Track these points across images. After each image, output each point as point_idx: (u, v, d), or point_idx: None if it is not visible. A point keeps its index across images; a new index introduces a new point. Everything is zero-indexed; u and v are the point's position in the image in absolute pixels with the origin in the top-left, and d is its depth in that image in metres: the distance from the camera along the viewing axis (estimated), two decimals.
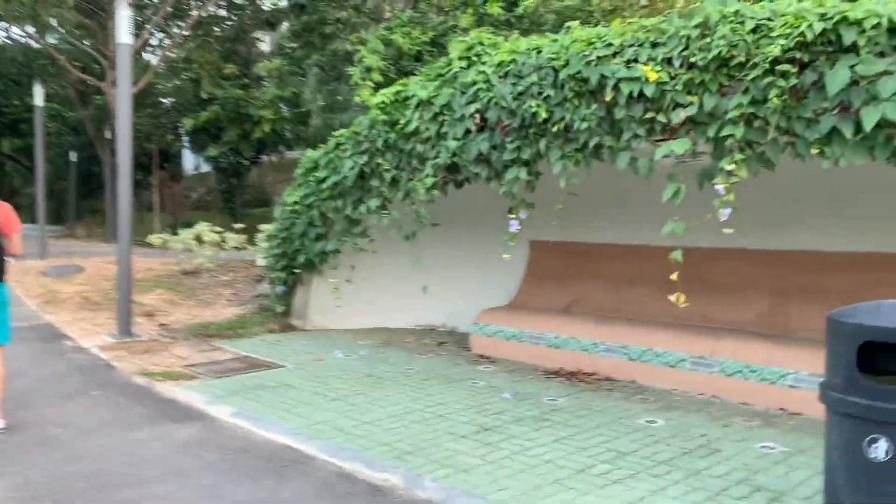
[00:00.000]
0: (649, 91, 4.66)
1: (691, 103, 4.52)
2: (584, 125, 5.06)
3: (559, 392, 5.86)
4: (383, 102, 6.58)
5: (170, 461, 4.27)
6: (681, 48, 4.60)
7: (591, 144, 5.09)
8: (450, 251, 8.57)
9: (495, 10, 10.24)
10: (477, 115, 5.84)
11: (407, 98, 6.59)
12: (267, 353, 7.29)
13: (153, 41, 21.40)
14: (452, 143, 5.87)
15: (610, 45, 5.03)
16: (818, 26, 3.97)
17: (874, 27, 3.86)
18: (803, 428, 4.87)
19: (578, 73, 5.08)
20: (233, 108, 20.94)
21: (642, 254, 7.37)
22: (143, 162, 30.22)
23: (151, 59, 22.04)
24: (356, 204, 7.29)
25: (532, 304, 7.87)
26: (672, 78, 4.61)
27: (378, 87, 14.40)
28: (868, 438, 2.78)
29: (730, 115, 4.31)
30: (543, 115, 5.27)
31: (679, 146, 4.50)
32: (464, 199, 7.23)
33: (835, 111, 3.99)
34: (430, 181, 6.13)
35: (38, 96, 16.05)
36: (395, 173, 6.69)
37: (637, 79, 4.73)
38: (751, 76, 4.22)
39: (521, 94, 5.48)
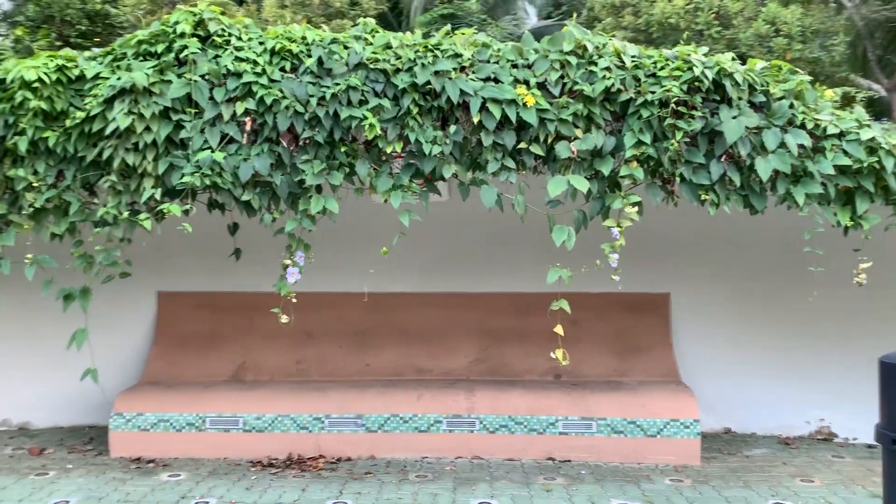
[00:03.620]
0: (531, 118, 4.01)
1: (577, 137, 4.06)
2: (436, 150, 4.04)
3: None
4: (40, 81, 4.06)
5: None
6: (557, 74, 4.11)
7: (444, 174, 4.11)
8: None
9: None
10: (247, 120, 4.11)
11: (79, 79, 4.24)
12: None
13: None
14: (214, 156, 3.97)
15: (456, 55, 4.17)
16: (708, 73, 4.04)
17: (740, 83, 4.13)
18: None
19: (427, 83, 4.05)
20: None
21: (324, 302, 6.32)
22: None
23: None
24: None
25: (182, 378, 5.92)
26: (551, 105, 4.08)
27: None
28: None
29: (628, 154, 4.02)
30: (377, 131, 4.02)
31: (579, 183, 3.98)
32: None
33: (721, 158, 4.11)
34: (165, 206, 4.02)
35: None
36: (56, 192, 4.18)
37: (511, 101, 4.03)
38: (644, 115, 4.03)
39: (325, 98, 4.07)
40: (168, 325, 6.20)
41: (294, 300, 4.32)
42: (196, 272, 6.14)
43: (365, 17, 4.78)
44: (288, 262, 4.24)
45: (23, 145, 4.11)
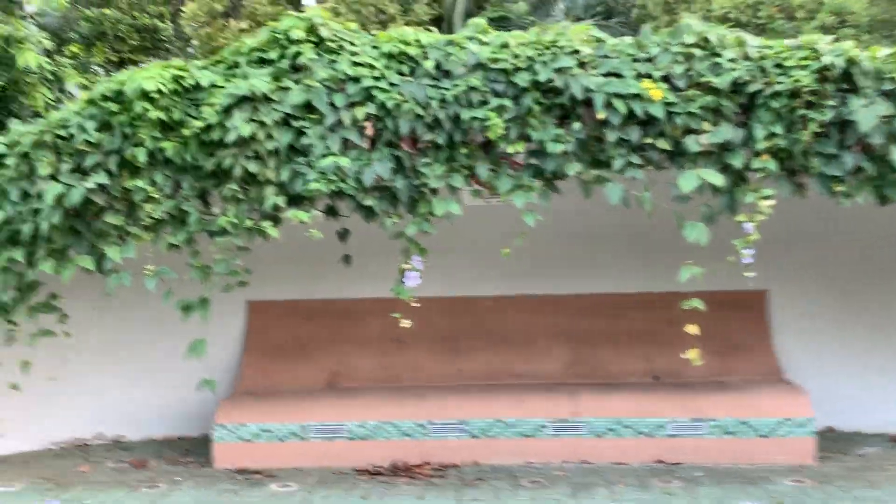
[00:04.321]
0: (658, 112, 3.93)
1: (706, 131, 3.97)
2: (559, 148, 3.97)
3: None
4: (158, 91, 4.04)
5: None
6: (682, 66, 4.02)
7: (568, 172, 4.03)
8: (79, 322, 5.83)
9: None
10: (367, 124, 4.06)
11: (193, 89, 4.21)
12: None
13: None
14: (340, 161, 3.93)
15: (575, 51, 4.10)
16: (838, 61, 3.93)
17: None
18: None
19: (550, 81, 3.99)
20: None
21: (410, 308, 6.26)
22: None
23: None
24: (57, 255, 4.29)
25: (276, 387, 5.89)
26: (677, 99, 3.99)
27: None
28: None
29: (760, 146, 3.92)
30: (500, 131, 3.96)
31: (712, 177, 3.89)
32: None
33: (855, 148, 4.00)
34: (291, 213, 3.98)
35: None
36: (174, 202, 4.17)
37: (636, 96, 3.95)
38: (775, 106, 3.92)
39: (445, 100, 4.02)
40: (259, 334, 6.17)
41: (416, 304, 4.26)
42: (285, 281, 6.10)
43: (419, 23, 4.73)
44: (406, 265, 4.19)
45: (142, 156, 4.10)
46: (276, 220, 4.15)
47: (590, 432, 5.24)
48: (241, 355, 6.16)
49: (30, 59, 9.26)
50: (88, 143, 4.21)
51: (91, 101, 4.33)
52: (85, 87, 11.18)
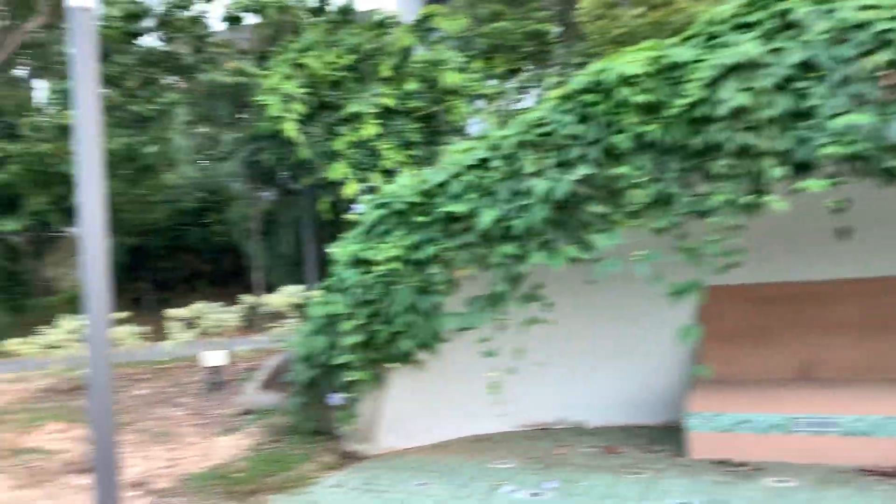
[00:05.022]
0: None
1: None
2: None
3: None
4: (637, 76, 4.02)
5: None
6: None
7: None
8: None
9: None
10: (885, 74, 3.56)
11: (672, 68, 4.11)
12: None
13: None
14: (857, 119, 3.49)
15: None
16: None
17: None
18: None
19: None
20: (38, 167, 16.20)
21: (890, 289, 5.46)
22: None
23: None
24: (545, 247, 4.53)
25: (738, 376, 5.57)
26: None
27: (305, 118, 11.43)
28: None
29: None
30: None
31: None
32: None
33: None
34: (804, 185, 3.66)
35: None
36: (660, 187, 4.11)
37: None
38: None
39: None
40: (714, 319, 5.88)
41: None
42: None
43: None
44: None
45: (625, 143, 4.09)
46: (766, 194, 3.83)
47: None
48: (694, 342, 5.95)
49: (455, 79, 10.24)
50: (569, 136, 4.35)
51: (566, 97, 4.48)
52: (488, 98, 12.07)
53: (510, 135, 4.70)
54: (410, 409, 5.71)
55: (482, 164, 4.80)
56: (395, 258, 5.04)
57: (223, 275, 20.08)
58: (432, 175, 4.98)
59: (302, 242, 15.81)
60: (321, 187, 12.84)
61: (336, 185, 11.59)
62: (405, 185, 5.22)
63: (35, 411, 7.67)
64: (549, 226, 4.44)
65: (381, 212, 5.30)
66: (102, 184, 4.56)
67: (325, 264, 6.08)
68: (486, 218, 4.61)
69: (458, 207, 4.77)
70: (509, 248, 4.61)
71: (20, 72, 18.39)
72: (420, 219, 5.02)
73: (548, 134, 4.48)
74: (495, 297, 4.78)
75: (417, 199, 5.04)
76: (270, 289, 11.73)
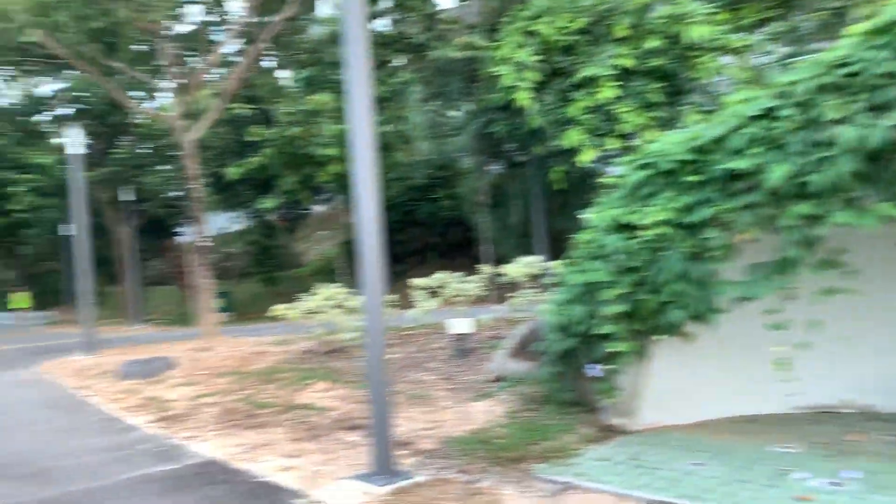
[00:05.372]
0: None
1: None
2: None
3: None
4: None
5: None
6: None
7: None
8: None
9: None
10: None
11: None
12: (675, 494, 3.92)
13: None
14: None
15: None
16: None
17: None
18: None
19: None
20: (289, 150, 17.58)
21: None
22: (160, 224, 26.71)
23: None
24: (851, 205, 3.94)
25: None
26: None
27: (538, 86, 11.25)
28: None
29: None
30: None
31: None
32: None
33: None
34: None
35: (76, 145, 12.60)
36: None
37: None
38: None
39: None
40: None
41: None
42: None
43: None
44: None
45: None
46: None
47: None
48: None
49: (701, 32, 9.48)
50: (884, 75, 3.71)
51: (878, 30, 3.83)
52: (736, 52, 11.08)
53: (804, 79, 4.13)
54: (675, 384, 5.34)
55: (768, 113, 4.28)
56: (664, 222, 4.68)
57: (451, 247, 20.72)
58: (706, 129, 4.53)
59: (530, 213, 15.77)
60: (552, 156, 12.64)
61: (569, 152, 11.32)
62: (673, 142, 4.82)
63: (301, 371, 8.29)
64: (857, 180, 3.85)
65: (646, 172, 4.96)
66: (375, 167, 4.69)
67: (554, 235, 5.84)
68: (777, 174, 4.10)
69: (740, 164, 4.30)
70: (804, 208, 4.07)
71: (268, 63, 20.02)
72: (693, 178, 4.60)
73: (854, 74, 3.87)
74: (785, 264, 4.26)
75: (689, 157, 4.63)
76: (499, 260, 11.76)
